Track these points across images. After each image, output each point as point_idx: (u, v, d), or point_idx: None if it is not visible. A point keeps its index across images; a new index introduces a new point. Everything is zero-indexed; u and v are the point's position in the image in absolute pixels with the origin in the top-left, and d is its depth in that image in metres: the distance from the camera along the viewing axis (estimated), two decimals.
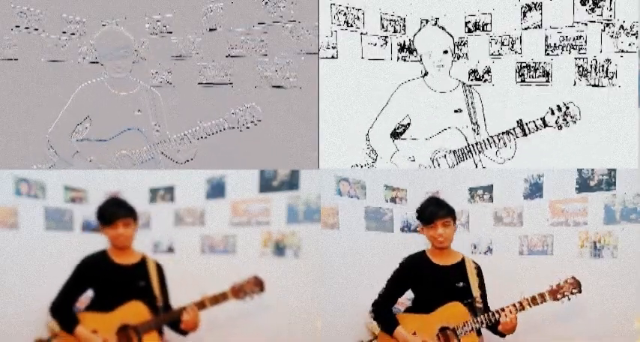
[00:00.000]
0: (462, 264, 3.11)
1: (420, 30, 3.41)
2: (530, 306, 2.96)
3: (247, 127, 3.32)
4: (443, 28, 3.40)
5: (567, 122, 3.26)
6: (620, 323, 3.28)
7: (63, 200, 3.86)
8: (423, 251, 3.16)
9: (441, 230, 3.04)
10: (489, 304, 3.07)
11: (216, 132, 3.33)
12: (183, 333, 3.14)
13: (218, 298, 3.11)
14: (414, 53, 3.42)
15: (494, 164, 3.37)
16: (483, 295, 3.07)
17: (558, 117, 3.26)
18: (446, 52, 3.37)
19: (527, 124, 3.30)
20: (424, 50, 3.38)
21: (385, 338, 3.08)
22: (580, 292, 2.96)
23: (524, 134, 3.31)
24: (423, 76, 3.40)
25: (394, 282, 3.13)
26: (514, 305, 2.96)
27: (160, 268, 3.21)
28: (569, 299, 2.96)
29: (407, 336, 3.00)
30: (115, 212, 3.07)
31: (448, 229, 3.05)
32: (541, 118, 3.29)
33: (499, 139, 3.34)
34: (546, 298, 2.96)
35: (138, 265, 3.15)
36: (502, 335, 3.03)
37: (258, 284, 3.15)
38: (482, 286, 3.09)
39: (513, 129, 3.32)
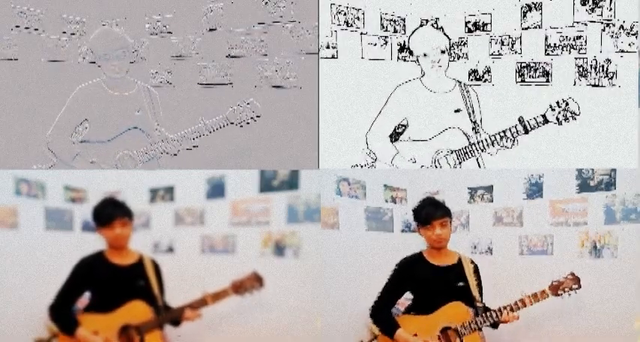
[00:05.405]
0: (459, 264, 3.11)
1: (414, 32, 3.40)
2: (532, 303, 2.98)
3: (247, 123, 3.32)
4: (437, 29, 3.40)
5: (567, 118, 3.26)
6: (620, 323, 3.28)
7: (63, 200, 3.86)
8: (420, 253, 3.16)
9: (438, 231, 3.04)
10: (489, 305, 3.07)
11: (217, 128, 3.33)
12: None
13: (219, 295, 3.13)
14: (412, 54, 3.41)
15: (494, 164, 3.37)
16: (480, 293, 3.08)
17: (559, 112, 3.26)
18: (443, 51, 3.36)
19: (528, 121, 3.29)
20: (420, 51, 3.38)
21: (386, 339, 3.08)
22: (580, 287, 2.98)
23: (526, 131, 3.30)
24: (421, 77, 3.40)
25: (392, 285, 3.12)
26: (516, 303, 2.97)
27: (157, 267, 3.21)
28: (569, 295, 2.97)
29: (408, 338, 3.00)
30: (111, 212, 3.06)
31: (445, 230, 3.05)
32: (542, 115, 3.28)
33: (501, 137, 3.33)
34: (547, 294, 2.97)
35: (135, 266, 3.14)
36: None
37: (257, 279, 3.17)
38: (479, 284, 3.10)
39: (515, 126, 3.31)
